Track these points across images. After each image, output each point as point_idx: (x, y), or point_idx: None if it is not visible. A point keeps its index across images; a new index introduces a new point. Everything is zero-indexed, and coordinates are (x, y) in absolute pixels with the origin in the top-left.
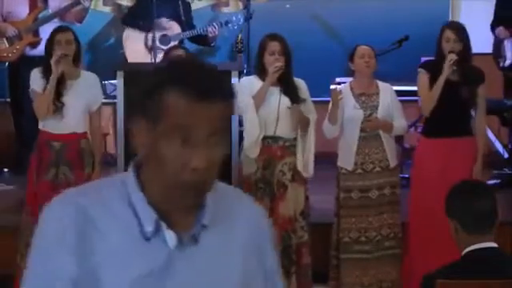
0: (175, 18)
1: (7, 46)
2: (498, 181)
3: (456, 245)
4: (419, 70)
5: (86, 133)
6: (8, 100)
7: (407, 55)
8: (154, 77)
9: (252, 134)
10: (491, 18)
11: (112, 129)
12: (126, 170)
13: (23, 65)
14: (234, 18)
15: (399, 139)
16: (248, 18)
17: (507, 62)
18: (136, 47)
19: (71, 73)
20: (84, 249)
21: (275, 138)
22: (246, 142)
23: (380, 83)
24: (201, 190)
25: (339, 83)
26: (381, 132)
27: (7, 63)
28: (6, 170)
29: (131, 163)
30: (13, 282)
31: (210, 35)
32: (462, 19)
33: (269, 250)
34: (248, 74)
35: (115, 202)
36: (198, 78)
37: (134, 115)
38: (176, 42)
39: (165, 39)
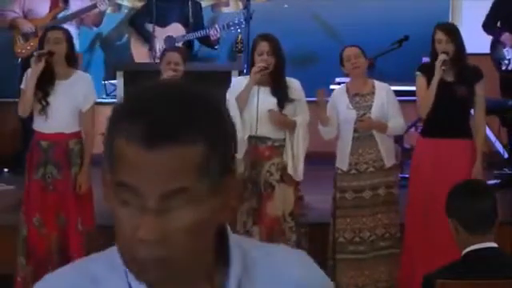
0: (183, 19)
1: (22, 42)
2: (498, 181)
3: (456, 245)
4: (416, 73)
5: (77, 133)
6: (9, 100)
7: (407, 55)
8: (110, 117)
9: None
10: None
11: None
12: None
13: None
14: (236, 21)
15: (399, 139)
16: (248, 18)
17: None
18: (141, 50)
19: (62, 72)
20: None
21: (262, 139)
22: None
23: (377, 83)
24: (166, 268)
25: (339, 83)
26: (375, 132)
27: (20, 59)
28: (5, 169)
29: None
30: (13, 281)
31: (212, 38)
32: (462, 19)
33: None
34: (248, 74)
35: (107, 279)
36: (151, 117)
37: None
38: (180, 43)
39: (169, 40)
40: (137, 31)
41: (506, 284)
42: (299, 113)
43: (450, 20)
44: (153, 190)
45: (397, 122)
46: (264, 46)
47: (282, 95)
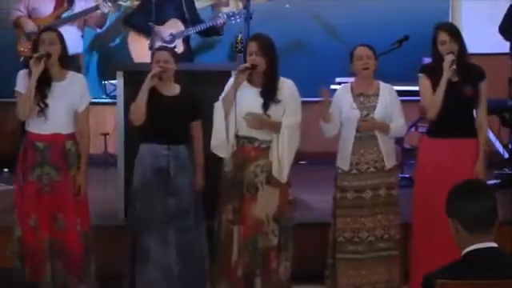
0: (179, 14)
1: (25, 41)
2: (498, 181)
3: (456, 245)
4: (419, 74)
5: (72, 134)
6: (9, 100)
7: (407, 55)
8: None
9: (218, 135)
10: (491, 17)
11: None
12: (126, 169)
13: None
14: (236, 11)
15: (399, 140)
16: (248, 18)
17: None
18: (140, 48)
19: (57, 74)
20: None
21: (250, 139)
22: (212, 141)
23: (381, 84)
24: None
25: (339, 83)
26: (377, 133)
27: (22, 58)
28: (5, 170)
29: None
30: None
31: (219, 25)
32: (462, 19)
33: None
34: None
35: None
36: None
37: None
38: (180, 40)
39: (169, 37)
40: (136, 30)
41: (506, 284)
42: (288, 114)
43: (450, 20)
44: None
45: (399, 123)
46: (252, 47)
47: (268, 96)
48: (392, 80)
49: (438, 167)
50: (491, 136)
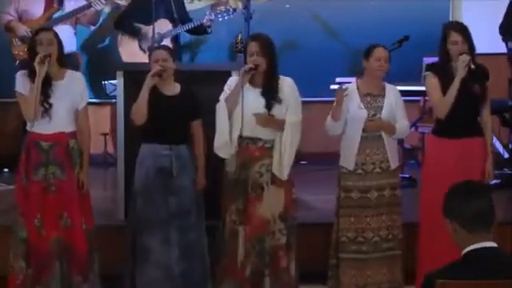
0: (168, 15)
1: (20, 44)
2: (498, 181)
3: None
4: (427, 73)
5: (74, 132)
6: (9, 100)
7: (407, 55)
8: None
9: (221, 135)
10: (491, 17)
11: (111, 128)
12: (126, 169)
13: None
14: (223, 9)
15: (400, 140)
16: (248, 18)
17: None
18: (130, 49)
19: (56, 73)
20: None
21: (253, 139)
22: (215, 142)
23: (387, 85)
24: None
25: (339, 83)
26: (383, 133)
27: (18, 61)
28: (6, 170)
29: None
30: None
31: (206, 24)
32: (463, 19)
33: None
34: None
35: None
36: None
37: None
38: (169, 39)
39: (158, 37)
40: (125, 31)
41: (506, 284)
42: (290, 112)
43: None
44: None
45: (402, 124)
46: (253, 47)
47: (270, 96)
48: (392, 80)
49: (445, 167)
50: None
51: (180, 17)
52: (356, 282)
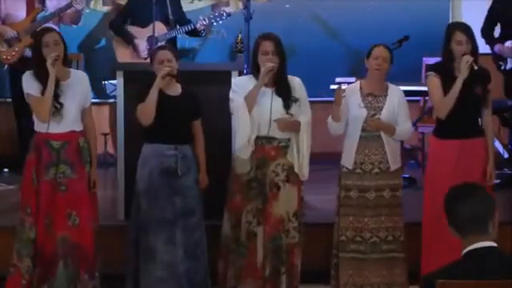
0: (163, 17)
1: (7, 48)
2: (498, 181)
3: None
4: (429, 73)
5: (83, 131)
6: (8, 100)
7: (407, 55)
8: None
9: (243, 135)
10: None
11: (111, 128)
12: (126, 169)
13: (24, 66)
14: (217, 13)
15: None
16: (248, 18)
17: (508, 66)
18: (125, 50)
19: (62, 73)
20: None
21: (269, 139)
22: (237, 143)
23: (391, 86)
24: None
25: (339, 83)
26: (382, 134)
27: (6, 65)
28: (5, 170)
29: None
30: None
31: (199, 28)
32: (462, 19)
33: None
34: (248, 74)
35: None
36: None
37: None
38: (163, 42)
39: (151, 40)
40: (117, 34)
41: (506, 284)
42: (302, 111)
43: (450, 20)
44: None
45: (404, 126)
46: (269, 46)
47: (286, 95)
48: (392, 80)
49: (446, 167)
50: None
51: (176, 19)
52: (354, 282)
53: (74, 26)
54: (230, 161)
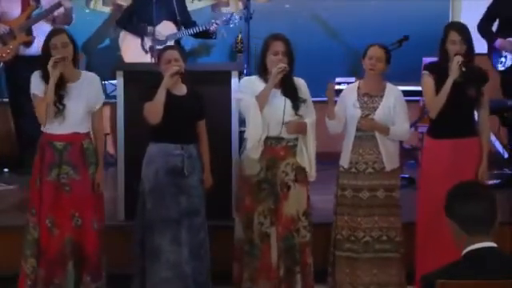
0: (170, 18)
1: (1, 46)
2: (498, 181)
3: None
4: (423, 72)
5: (88, 133)
6: (5, 100)
7: (407, 55)
8: None
9: (255, 135)
10: None
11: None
12: (126, 169)
13: (20, 65)
14: (234, 16)
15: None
16: (248, 18)
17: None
18: (133, 49)
19: (71, 74)
20: None
21: (278, 139)
22: (248, 143)
23: (389, 86)
24: None
25: (339, 83)
26: (377, 134)
27: (2, 63)
28: (6, 170)
29: None
30: (16, 282)
31: (212, 31)
32: (462, 19)
33: None
34: (248, 74)
35: None
36: None
37: None
38: (172, 42)
39: (161, 40)
40: (129, 30)
41: (506, 284)
42: (308, 112)
43: (450, 20)
44: None
45: (402, 127)
46: (279, 46)
47: (294, 97)
48: (392, 80)
49: (440, 167)
50: (491, 136)
51: (183, 20)
52: (350, 281)
53: (67, 26)
54: (229, 161)
